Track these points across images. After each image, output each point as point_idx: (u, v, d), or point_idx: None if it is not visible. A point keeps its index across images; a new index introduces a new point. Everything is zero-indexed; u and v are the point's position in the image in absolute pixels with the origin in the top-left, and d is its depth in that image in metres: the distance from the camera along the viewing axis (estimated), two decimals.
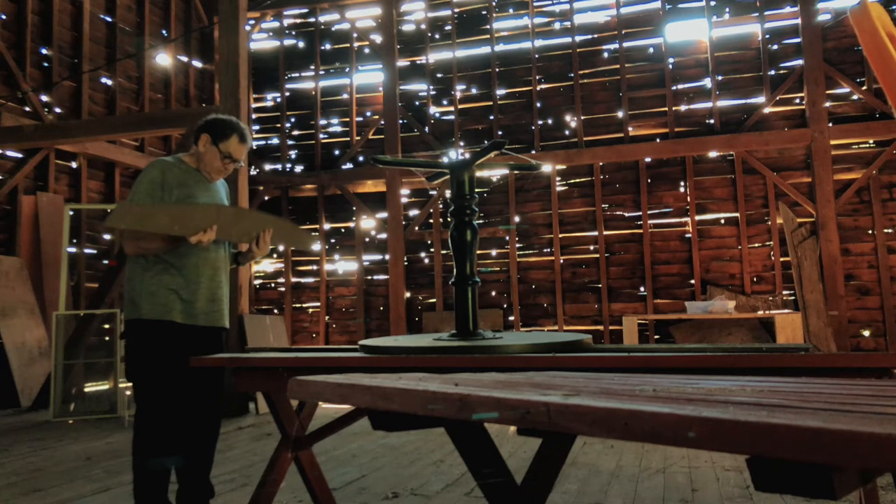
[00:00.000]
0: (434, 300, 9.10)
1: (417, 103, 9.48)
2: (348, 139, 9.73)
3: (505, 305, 8.87)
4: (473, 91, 9.33)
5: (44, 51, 7.99)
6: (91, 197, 8.41)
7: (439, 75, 9.46)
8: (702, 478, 3.53)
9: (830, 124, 7.94)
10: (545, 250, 8.84)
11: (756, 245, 8.22)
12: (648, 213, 8.49)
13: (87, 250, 8.22)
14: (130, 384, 2.61)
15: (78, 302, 7.86)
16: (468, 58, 9.41)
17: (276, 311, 9.59)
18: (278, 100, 10.02)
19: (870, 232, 7.86)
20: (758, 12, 8.45)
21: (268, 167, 9.90)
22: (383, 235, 9.32)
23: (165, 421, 2.48)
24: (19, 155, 7.65)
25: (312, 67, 9.94)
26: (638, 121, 8.72)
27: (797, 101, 8.26)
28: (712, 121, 8.46)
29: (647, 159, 8.56)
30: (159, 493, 2.47)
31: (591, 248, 8.69)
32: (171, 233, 2.44)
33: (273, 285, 9.78)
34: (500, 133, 9.10)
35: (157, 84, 9.60)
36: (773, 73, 8.34)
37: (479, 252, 7.78)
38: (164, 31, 9.77)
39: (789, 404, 0.92)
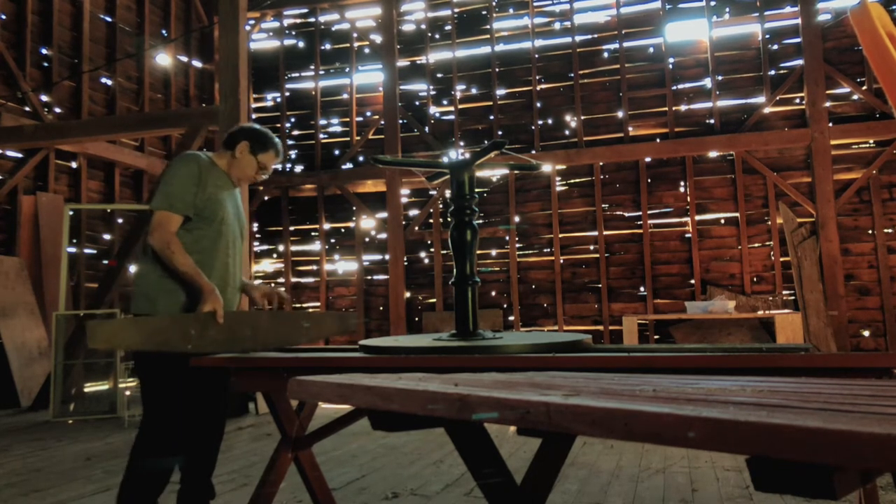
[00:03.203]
0: (434, 300, 9.10)
1: (417, 103, 9.48)
2: (348, 139, 9.73)
3: (505, 305, 8.87)
4: (473, 91, 9.33)
5: (44, 51, 7.99)
6: (91, 197, 8.41)
7: (439, 75, 9.46)
8: (702, 478, 3.53)
9: (830, 124, 7.93)
10: (545, 250, 8.84)
11: (756, 245, 8.21)
12: (648, 213, 8.49)
13: (87, 250, 8.22)
14: (139, 381, 2.56)
15: (78, 302, 7.86)
16: (468, 58, 9.41)
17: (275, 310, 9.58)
18: (278, 100, 10.02)
19: (870, 232, 7.86)
20: (758, 12, 8.45)
21: None
22: (383, 235, 9.32)
23: (173, 421, 2.45)
24: (19, 155, 7.64)
25: (312, 67, 9.94)
26: (638, 121, 8.72)
27: (797, 101, 8.26)
28: (712, 121, 8.46)
29: (647, 159, 8.56)
30: (153, 495, 2.42)
31: (591, 248, 8.69)
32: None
33: (273, 285, 9.75)
34: (500, 133, 9.10)
35: (157, 84, 9.59)
36: (773, 73, 8.34)
37: (479, 252, 7.77)
38: (164, 31, 9.77)
39: (789, 404, 0.92)
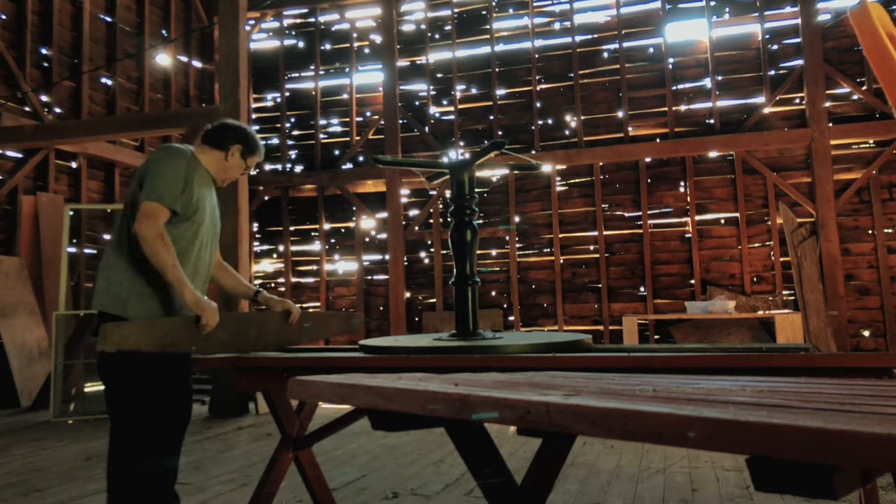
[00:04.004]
0: (434, 300, 9.10)
1: (417, 103, 9.48)
2: (348, 139, 9.73)
3: (505, 305, 8.87)
4: (473, 91, 9.33)
5: (44, 51, 7.99)
6: (91, 197, 8.41)
7: (439, 75, 9.46)
8: (702, 478, 3.53)
9: (830, 124, 7.93)
10: (545, 250, 8.84)
11: (756, 245, 8.21)
12: (648, 213, 8.48)
13: (87, 250, 8.22)
14: (107, 385, 2.36)
15: (78, 302, 7.86)
16: (468, 58, 9.40)
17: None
18: (278, 100, 10.02)
19: (870, 232, 7.86)
20: (758, 12, 8.45)
21: (268, 167, 9.90)
22: (383, 235, 9.32)
23: (151, 420, 2.31)
24: (19, 155, 7.64)
25: (312, 67, 9.94)
26: (638, 121, 8.72)
27: (797, 101, 8.26)
28: (712, 121, 8.45)
29: (647, 159, 8.56)
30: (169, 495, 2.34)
31: (591, 248, 8.69)
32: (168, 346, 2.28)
33: (273, 285, 9.78)
34: (500, 133, 9.09)
35: (157, 84, 9.59)
36: (773, 73, 8.34)
37: (479, 252, 7.76)
38: (164, 31, 9.77)
39: (789, 404, 0.92)
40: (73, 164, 8.28)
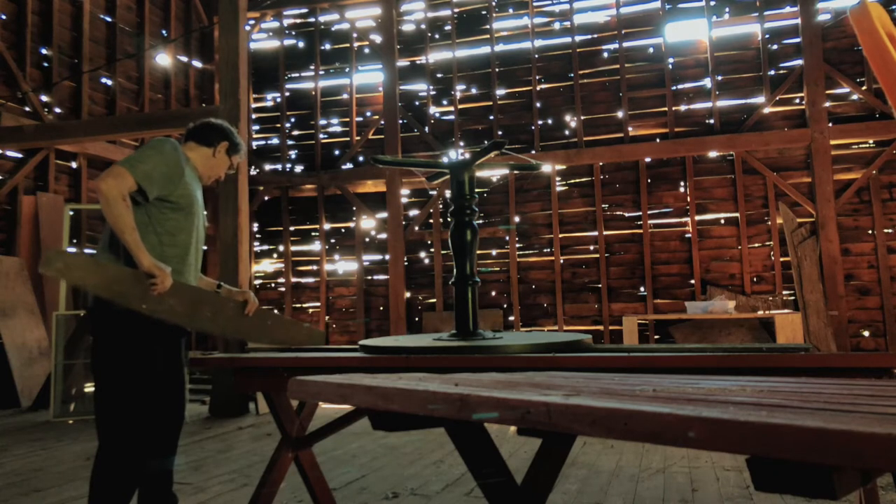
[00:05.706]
0: (434, 300, 9.10)
1: (417, 103, 9.48)
2: (348, 139, 9.73)
3: (505, 305, 8.87)
4: (473, 91, 9.33)
5: (44, 51, 7.99)
6: (91, 197, 8.41)
7: (439, 75, 9.46)
8: (702, 478, 3.53)
9: (830, 124, 7.93)
10: (545, 250, 8.84)
11: (756, 245, 8.21)
12: (648, 213, 8.48)
13: (87, 250, 8.21)
14: (100, 378, 2.32)
15: (78, 302, 7.85)
16: (468, 58, 9.40)
17: (276, 311, 9.58)
18: (278, 100, 10.02)
19: (870, 232, 7.86)
20: (758, 12, 8.45)
21: (268, 167, 9.90)
22: (383, 235, 9.32)
23: (143, 418, 2.29)
24: (19, 155, 7.64)
25: (312, 67, 9.94)
26: (638, 121, 8.72)
27: (797, 101, 8.26)
28: (712, 121, 8.45)
29: (647, 159, 8.56)
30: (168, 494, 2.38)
31: (591, 248, 8.69)
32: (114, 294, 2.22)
33: (273, 285, 9.78)
34: (500, 133, 9.09)
35: (157, 84, 9.59)
36: (772, 73, 8.34)
37: (479, 252, 7.76)
38: (164, 31, 9.77)
39: (789, 404, 0.92)
40: (73, 164, 8.28)
